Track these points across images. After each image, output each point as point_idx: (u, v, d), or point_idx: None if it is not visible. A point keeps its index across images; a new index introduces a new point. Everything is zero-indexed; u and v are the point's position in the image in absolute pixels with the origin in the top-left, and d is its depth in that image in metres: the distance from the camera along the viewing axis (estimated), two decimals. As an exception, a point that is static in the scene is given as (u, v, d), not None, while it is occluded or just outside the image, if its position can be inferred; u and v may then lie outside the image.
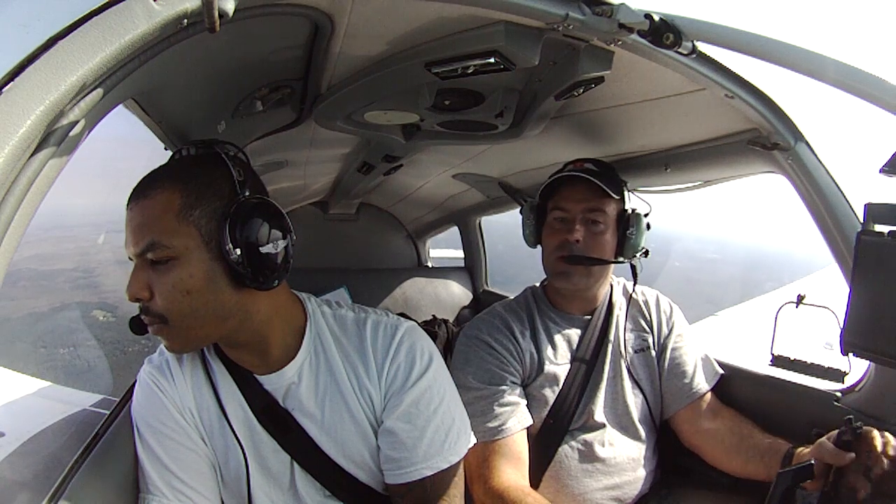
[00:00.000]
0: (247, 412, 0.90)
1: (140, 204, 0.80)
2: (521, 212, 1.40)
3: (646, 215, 1.28)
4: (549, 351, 1.25)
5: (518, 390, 1.21)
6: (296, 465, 0.91)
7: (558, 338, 1.27)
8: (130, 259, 0.82)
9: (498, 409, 1.16)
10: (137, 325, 0.83)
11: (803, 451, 1.02)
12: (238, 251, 0.78)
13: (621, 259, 1.26)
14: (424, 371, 0.92)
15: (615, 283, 1.37)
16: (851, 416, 0.93)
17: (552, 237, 1.27)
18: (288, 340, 0.90)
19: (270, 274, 0.81)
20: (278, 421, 0.90)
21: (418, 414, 0.90)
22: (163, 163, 0.88)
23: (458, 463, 0.93)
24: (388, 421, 0.90)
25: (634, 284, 1.32)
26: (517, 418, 1.16)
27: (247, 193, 0.81)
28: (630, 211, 1.27)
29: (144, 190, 0.80)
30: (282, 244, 0.82)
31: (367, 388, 0.90)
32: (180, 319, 0.80)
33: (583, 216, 1.23)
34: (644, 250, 1.28)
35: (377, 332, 0.93)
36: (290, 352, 0.90)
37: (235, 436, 0.90)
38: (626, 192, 1.28)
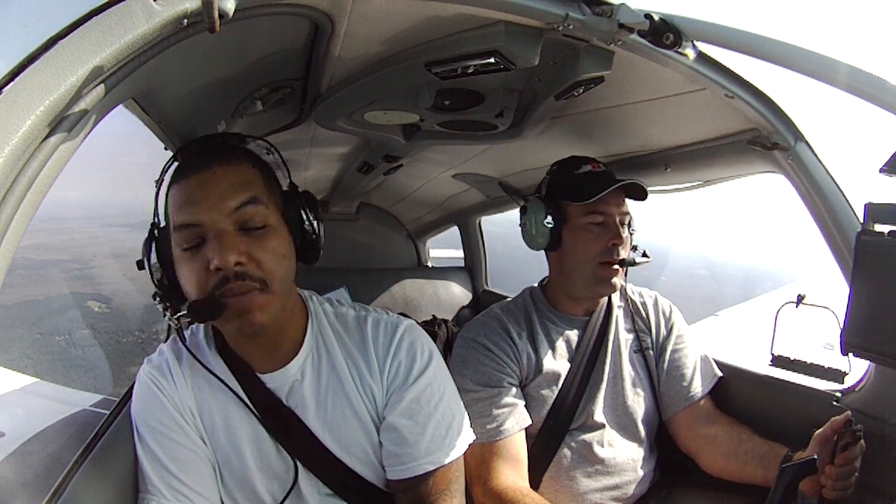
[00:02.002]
0: (249, 411, 0.90)
1: (224, 168, 0.81)
2: (523, 211, 1.33)
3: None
4: (547, 351, 1.25)
5: (516, 391, 1.20)
6: (298, 463, 0.91)
7: (557, 338, 1.27)
8: (193, 226, 0.79)
9: (496, 411, 1.16)
10: (210, 308, 0.79)
11: (801, 454, 1.02)
12: (309, 230, 0.88)
13: (643, 259, 1.28)
14: (425, 368, 0.93)
15: None
16: (851, 419, 0.93)
17: (593, 243, 1.22)
18: (295, 334, 0.92)
19: (318, 254, 0.91)
20: (281, 420, 0.90)
21: (419, 410, 0.91)
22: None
23: (459, 458, 0.94)
24: (390, 417, 0.91)
25: (626, 275, 1.32)
26: (515, 419, 1.16)
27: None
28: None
29: (226, 157, 0.84)
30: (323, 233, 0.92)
31: (370, 384, 0.92)
32: (280, 284, 0.83)
33: (620, 219, 1.23)
34: (638, 249, 1.30)
35: (378, 329, 0.94)
36: (295, 347, 0.91)
37: (236, 433, 0.90)
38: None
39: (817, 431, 0.99)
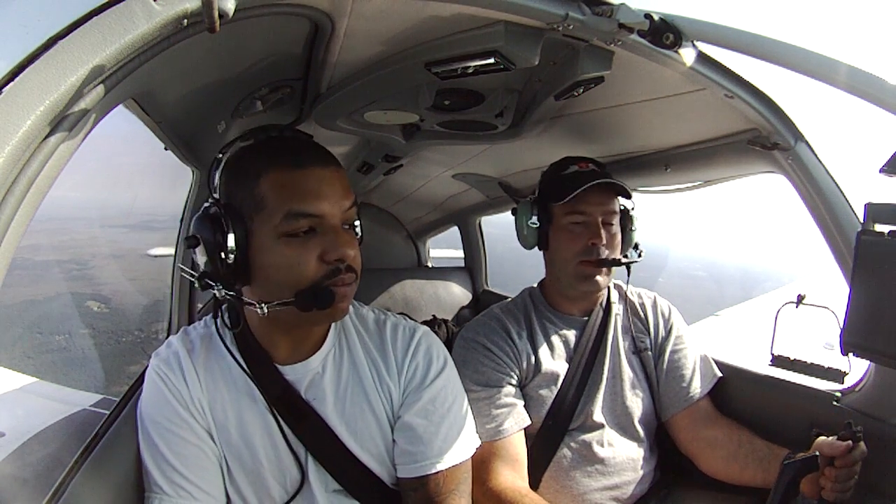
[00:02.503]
0: (263, 403, 0.90)
1: (338, 170, 0.86)
2: (514, 212, 1.35)
3: (632, 209, 1.31)
4: (546, 351, 1.25)
5: (515, 391, 1.21)
6: (309, 456, 0.92)
7: (556, 338, 1.27)
8: (307, 216, 0.81)
9: (495, 411, 1.16)
10: (329, 296, 0.82)
11: (801, 456, 1.02)
12: (360, 232, 0.90)
13: (636, 258, 1.28)
14: (440, 371, 0.97)
15: (611, 286, 1.37)
16: (851, 421, 0.93)
17: (573, 242, 1.24)
18: (319, 330, 0.94)
19: None
20: (294, 409, 0.91)
21: (434, 411, 0.94)
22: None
23: (468, 460, 0.97)
24: (406, 416, 0.94)
25: (628, 277, 1.33)
26: (514, 419, 1.16)
27: None
28: (630, 209, 1.30)
29: (334, 160, 0.87)
30: None
31: (388, 383, 0.95)
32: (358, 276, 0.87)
33: (602, 219, 1.24)
34: (639, 248, 1.30)
35: (396, 332, 0.98)
36: (318, 342, 0.94)
37: (248, 427, 0.90)
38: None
39: (821, 439, 0.97)
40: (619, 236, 1.26)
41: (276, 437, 0.91)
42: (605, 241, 1.22)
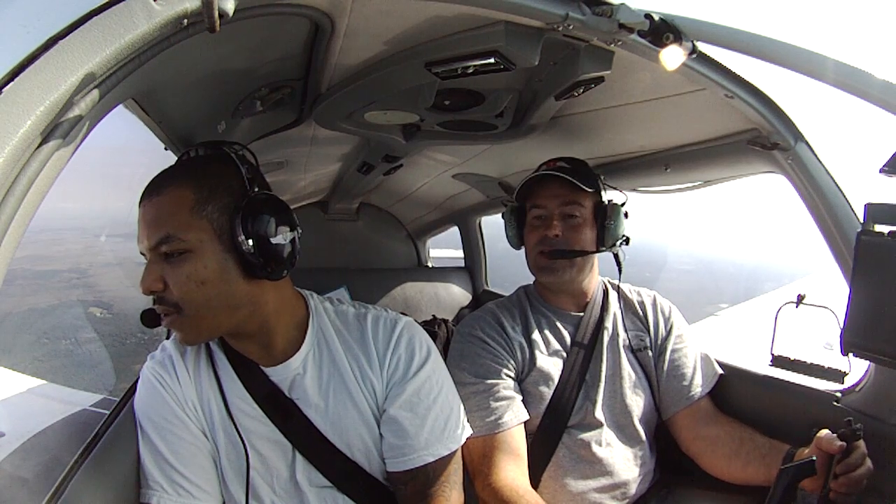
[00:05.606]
0: (250, 403, 0.92)
1: (153, 201, 0.83)
2: (502, 216, 1.42)
3: (622, 205, 1.30)
4: (541, 345, 1.26)
5: (514, 385, 1.21)
6: (297, 454, 0.93)
7: (551, 333, 1.28)
8: (143, 254, 0.85)
9: (494, 404, 1.16)
10: (150, 318, 0.85)
11: (804, 451, 1.02)
12: (250, 242, 0.83)
13: (602, 248, 1.28)
14: (424, 362, 0.97)
15: (609, 284, 1.37)
16: (851, 419, 0.93)
17: (532, 235, 1.29)
18: (292, 333, 0.94)
19: (280, 264, 0.86)
20: (280, 408, 0.92)
21: (419, 402, 0.94)
22: (162, 164, 0.90)
23: (458, 451, 0.97)
24: (390, 409, 0.94)
25: (620, 273, 1.34)
26: (513, 412, 1.17)
27: (256, 190, 0.86)
28: (607, 202, 1.29)
29: (158, 188, 0.84)
30: (290, 236, 0.87)
31: (370, 377, 0.95)
32: (194, 309, 0.83)
33: (560, 211, 1.26)
34: (625, 238, 1.29)
35: (377, 325, 0.98)
36: (295, 344, 0.94)
37: (237, 427, 0.91)
38: (601, 185, 1.30)
39: (821, 432, 0.96)
40: (583, 228, 1.25)
41: (262, 436, 0.92)
42: (558, 233, 1.24)
